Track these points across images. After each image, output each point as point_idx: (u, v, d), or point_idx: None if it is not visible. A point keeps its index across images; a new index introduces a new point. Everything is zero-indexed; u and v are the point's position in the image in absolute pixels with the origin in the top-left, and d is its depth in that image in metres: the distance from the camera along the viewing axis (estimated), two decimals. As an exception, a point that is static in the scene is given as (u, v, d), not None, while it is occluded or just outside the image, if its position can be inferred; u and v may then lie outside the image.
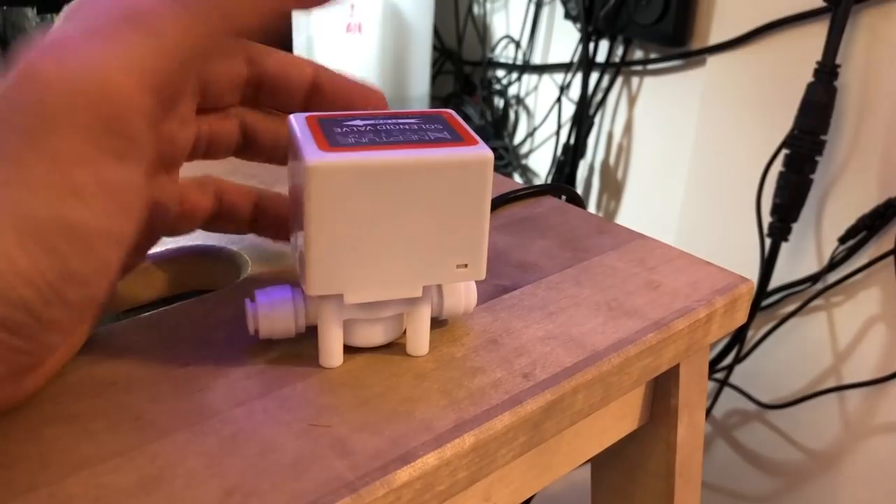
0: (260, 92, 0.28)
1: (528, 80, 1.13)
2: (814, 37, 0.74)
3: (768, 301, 0.84)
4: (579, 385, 0.28)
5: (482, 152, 0.25)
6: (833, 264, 0.78)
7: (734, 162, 0.85)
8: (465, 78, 1.22)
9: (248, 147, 0.30)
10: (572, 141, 1.02)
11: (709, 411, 0.94)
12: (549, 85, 1.09)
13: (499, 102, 1.17)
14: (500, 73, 1.16)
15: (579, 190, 1.06)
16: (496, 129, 1.17)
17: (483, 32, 1.18)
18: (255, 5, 0.22)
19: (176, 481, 0.22)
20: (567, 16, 1.00)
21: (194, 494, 0.22)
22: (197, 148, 0.28)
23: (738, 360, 0.87)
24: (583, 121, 1.00)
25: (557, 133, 1.06)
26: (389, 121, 0.26)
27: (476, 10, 1.18)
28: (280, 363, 0.27)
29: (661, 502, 0.38)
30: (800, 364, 0.84)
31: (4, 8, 0.56)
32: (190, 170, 0.29)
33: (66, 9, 0.21)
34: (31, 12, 0.54)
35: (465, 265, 0.26)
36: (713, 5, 0.84)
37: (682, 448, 0.37)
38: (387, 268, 0.26)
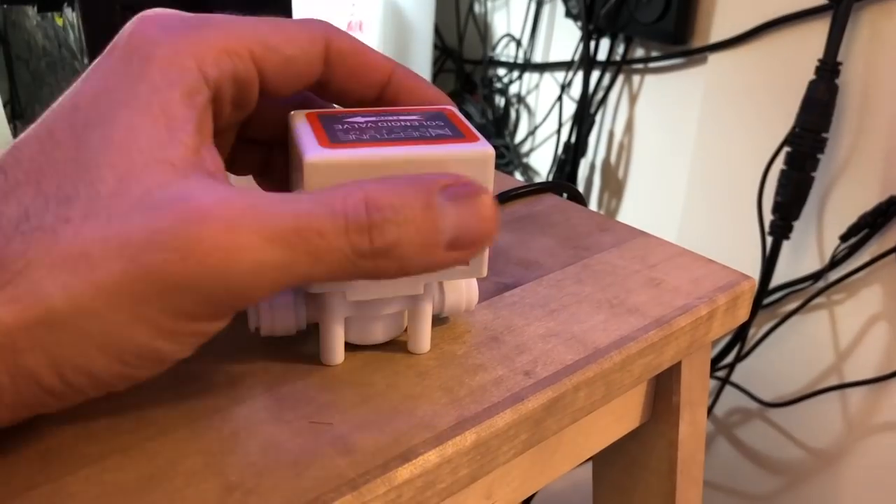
0: (326, 90, 0.28)
1: (529, 78, 1.12)
2: (815, 34, 0.74)
3: (770, 299, 0.84)
4: (581, 382, 0.28)
5: (483, 148, 0.25)
6: (835, 262, 0.77)
7: (735, 160, 0.85)
8: (466, 76, 1.22)
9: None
10: (573, 139, 1.02)
11: (710, 409, 0.93)
12: (550, 83, 1.09)
13: (500, 101, 1.17)
14: (501, 71, 1.16)
15: (581, 188, 1.06)
16: (497, 128, 1.17)
17: (484, 31, 1.18)
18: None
19: (176, 479, 0.22)
20: (568, 14, 1.00)
21: (195, 492, 0.21)
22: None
23: (740, 358, 0.87)
24: (584, 119, 1.00)
25: (558, 131, 1.06)
26: (391, 117, 0.26)
27: (477, 8, 1.18)
28: (281, 361, 0.27)
29: (662, 500, 0.38)
30: (801, 362, 0.84)
31: (5, 6, 0.56)
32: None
33: (241, 186, 0.21)
34: (31, 11, 0.54)
35: (466, 263, 0.26)
36: (714, 3, 0.84)
37: (683, 446, 0.36)
38: None
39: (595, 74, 0.99)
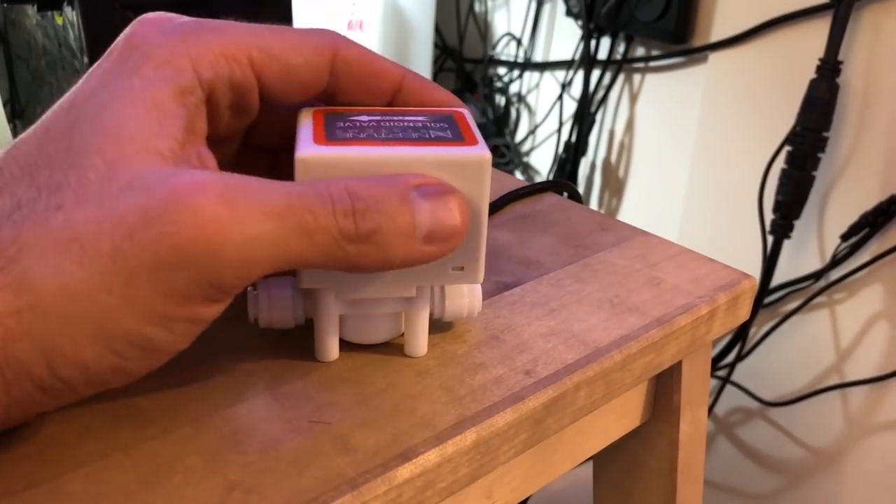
0: (335, 100, 0.28)
1: (530, 77, 1.12)
2: (816, 33, 0.74)
3: (771, 298, 0.84)
4: (581, 382, 0.28)
5: (479, 152, 0.24)
6: (835, 261, 0.77)
7: (736, 159, 0.85)
8: (467, 76, 1.22)
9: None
10: (574, 138, 1.02)
11: (711, 409, 0.93)
12: (550, 82, 1.09)
13: (500, 100, 1.17)
14: (502, 70, 1.16)
15: (581, 187, 1.06)
16: (497, 127, 1.16)
17: (484, 30, 1.18)
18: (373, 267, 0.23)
19: (176, 478, 0.22)
20: (568, 13, 1.00)
21: (194, 491, 0.21)
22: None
23: (741, 357, 0.87)
24: (584, 118, 1.00)
25: (559, 130, 1.06)
26: (396, 118, 0.26)
27: (477, 7, 1.18)
28: (280, 360, 0.27)
29: (663, 499, 0.38)
30: (802, 361, 0.84)
31: (5, 5, 0.56)
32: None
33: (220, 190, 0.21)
34: (31, 10, 0.54)
35: (462, 268, 0.26)
36: (715, 2, 0.84)
37: (684, 445, 0.36)
38: None
39: (595, 73, 0.98)
